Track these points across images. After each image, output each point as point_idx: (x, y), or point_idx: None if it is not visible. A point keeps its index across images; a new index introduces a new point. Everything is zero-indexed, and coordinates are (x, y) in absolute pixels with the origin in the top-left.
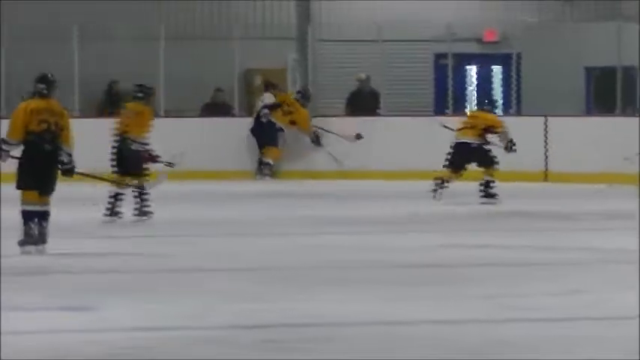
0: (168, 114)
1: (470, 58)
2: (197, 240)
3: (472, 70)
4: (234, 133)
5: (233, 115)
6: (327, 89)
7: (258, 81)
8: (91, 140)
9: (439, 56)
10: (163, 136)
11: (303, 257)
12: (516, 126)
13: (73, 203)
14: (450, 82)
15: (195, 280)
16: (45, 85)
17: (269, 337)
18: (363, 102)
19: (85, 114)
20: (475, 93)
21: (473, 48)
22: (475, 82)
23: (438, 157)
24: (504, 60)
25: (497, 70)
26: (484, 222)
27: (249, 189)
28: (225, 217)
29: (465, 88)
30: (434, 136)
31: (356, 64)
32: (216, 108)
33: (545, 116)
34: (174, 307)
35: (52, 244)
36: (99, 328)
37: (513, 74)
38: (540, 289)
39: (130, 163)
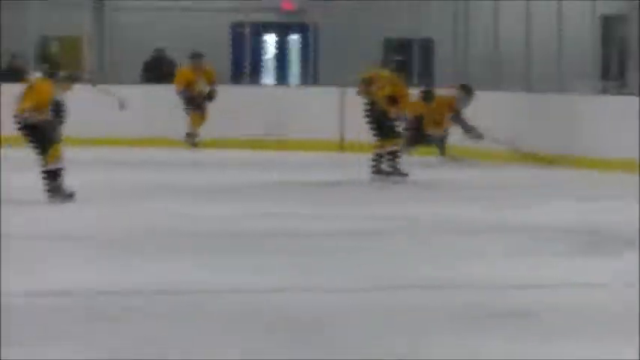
0: None
1: (267, 28)
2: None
3: (269, 40)
4: None
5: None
6: (123, 59)
7: (54, 48)
8: None
9: (236, 25)
10: None
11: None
12: (313, 96)
13: None
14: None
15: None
16: None
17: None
18: (159, 72)
19: None
20: (273, 62)
21: (271, 17)
22: (273, 52)
23: None
24: (302, 30)
25: (294, 40)
26: (285, 192)
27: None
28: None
29: (262, 58)
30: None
31: (153, 34)
32: (12, 74)
33: (342, 87)
34: None
35: None
36: None
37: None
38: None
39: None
